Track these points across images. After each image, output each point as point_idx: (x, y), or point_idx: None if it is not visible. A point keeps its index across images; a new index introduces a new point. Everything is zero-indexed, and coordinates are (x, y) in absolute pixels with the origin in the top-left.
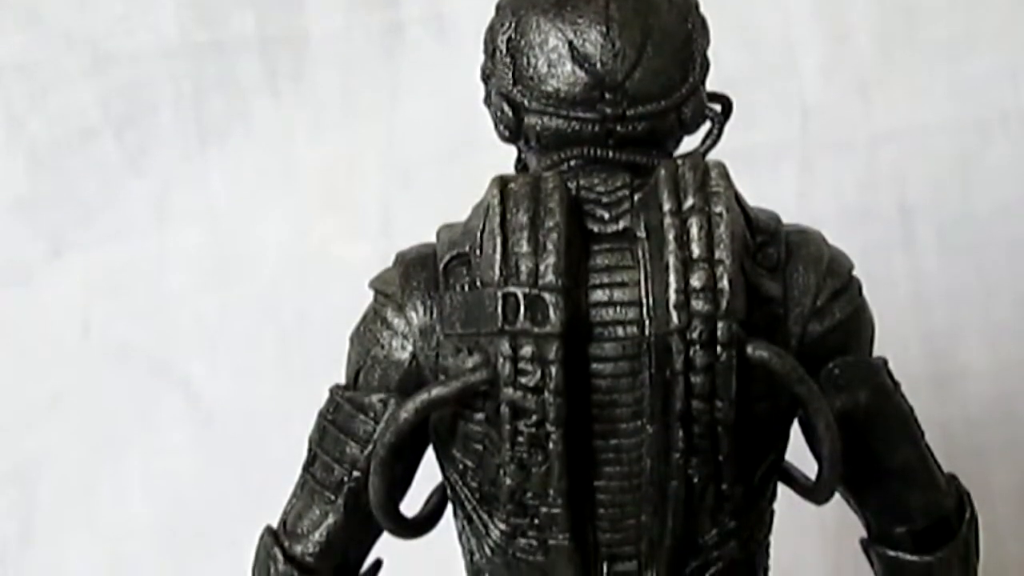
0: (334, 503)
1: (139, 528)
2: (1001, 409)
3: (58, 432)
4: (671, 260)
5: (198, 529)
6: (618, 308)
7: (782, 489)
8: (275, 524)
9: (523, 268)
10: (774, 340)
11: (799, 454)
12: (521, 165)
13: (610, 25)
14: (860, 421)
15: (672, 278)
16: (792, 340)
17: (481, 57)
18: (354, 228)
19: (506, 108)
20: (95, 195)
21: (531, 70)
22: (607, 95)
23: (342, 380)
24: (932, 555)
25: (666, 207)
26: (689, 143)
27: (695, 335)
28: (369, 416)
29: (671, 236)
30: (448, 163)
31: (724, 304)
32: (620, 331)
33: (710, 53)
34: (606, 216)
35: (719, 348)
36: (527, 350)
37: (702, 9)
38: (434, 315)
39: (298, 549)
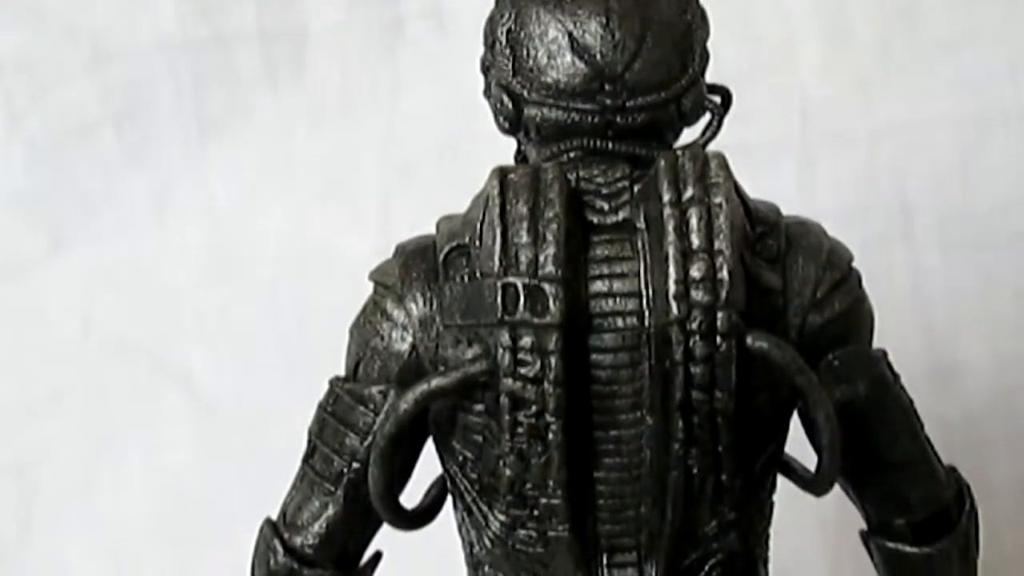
0: (334, 495)
1: (139, 523)
2: (1001, 404)
3: (58, 427)
4: (671, 251)
5: (198, 524)
6: (618, 299)
7: (782, 481)
8: (275, 516)
9: (523, 259)
10: (774, 331)
11: (799, 446)
12: (521, 157)
13: (610, 16)
14: (860, 412)
15: (672, 269)
16: (792, 331)
17: (481, 49)
18: (354, 221)
19: (506, 99)
20: (95, 190)
21: (531, 61)
22: (607, 86)
23: (342, 372)
24: (932, 547)
25: (666, 198)
26: (689, 135)
27: (695, 326)
28: (369, 407)
29: (671, 227)
30: (448, 157)
31: (724, 295)
32: (620, 322)
33: (710, 47)
34: (606, 207)
35: (719, 339)
36: (527, 341)
37: (702, 2)
38: (434, 306)
39: (298, 541)
